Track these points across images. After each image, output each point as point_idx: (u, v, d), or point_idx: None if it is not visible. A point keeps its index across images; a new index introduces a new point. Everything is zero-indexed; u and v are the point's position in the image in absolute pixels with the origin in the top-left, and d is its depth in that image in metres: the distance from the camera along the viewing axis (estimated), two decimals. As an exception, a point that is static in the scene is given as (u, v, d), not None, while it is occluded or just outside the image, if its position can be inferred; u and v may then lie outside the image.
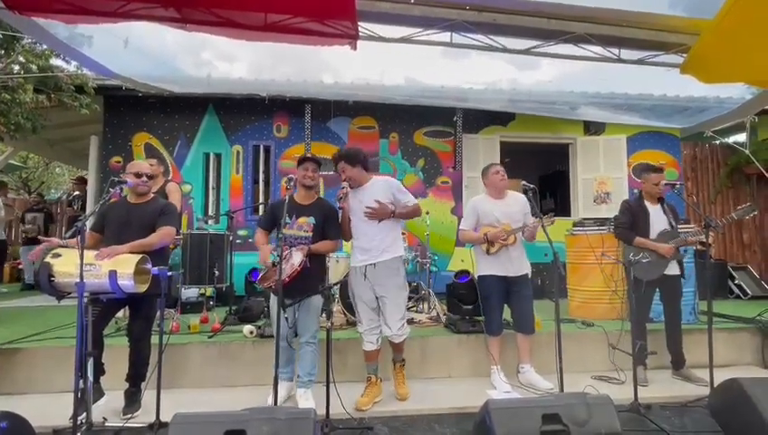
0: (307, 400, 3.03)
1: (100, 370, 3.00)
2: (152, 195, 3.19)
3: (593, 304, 4.63)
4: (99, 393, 2.99)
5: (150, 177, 3.12)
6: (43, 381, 3.35)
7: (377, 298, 3.12)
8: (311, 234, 3.07)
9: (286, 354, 3.08)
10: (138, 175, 3.01)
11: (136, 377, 2.99)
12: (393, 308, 3.11)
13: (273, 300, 3.13)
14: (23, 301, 5.91)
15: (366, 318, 3.16)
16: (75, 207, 7.26)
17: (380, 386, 3.22)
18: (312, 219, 3.09)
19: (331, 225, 3.17)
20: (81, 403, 2.48)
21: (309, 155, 3.25)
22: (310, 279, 2.99)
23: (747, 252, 7.86)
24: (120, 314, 3.36)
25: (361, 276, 3.12)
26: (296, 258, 2.89)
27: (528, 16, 3.85)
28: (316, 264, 3.10)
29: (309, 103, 6.24)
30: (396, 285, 3.14)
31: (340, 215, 3.18)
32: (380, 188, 3.15)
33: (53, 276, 2.55)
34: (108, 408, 2.94)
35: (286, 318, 2.89)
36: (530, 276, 3.52)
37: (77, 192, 7.38)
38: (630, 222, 3.63)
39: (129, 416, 2.84)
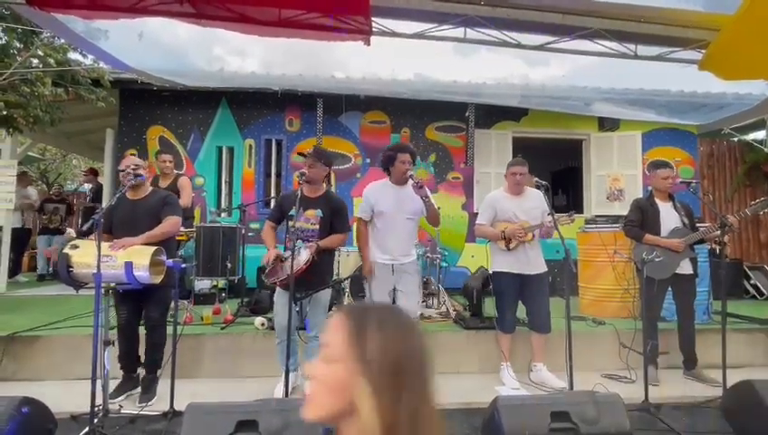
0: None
1: (136, 361, 3.13)
2: (150, 188, 3.24)
3: (604, 302, 4.60)
4: (134, 383, 3.11)
5: (136, 167, 3.04)
6: (62, 369, 3.44)
7: (394, 290, 3.17)
8: (318, 226, 3.07)
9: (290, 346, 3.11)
10: (121, 170, 3.04)
11: (151, 363, 3.07)
12: (409, 302, 3.14)
13: (278, 294, 3.14)
14: (42, 290, 6.06)
15: None
16: (88, 199, 7.37)
17: None
18: (319, 212, 3.09)
19: (340, 218, 3.15)
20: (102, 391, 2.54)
21: (307, 152, 3.21)
22: (318, 273, 3.00)
23: (764, 251, 7.72)
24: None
25: (388, 272, 3.18)
26: (303, 256, 2.89)
27: (542, 11, 3.81)
28: (325, 258, 3.11)
29: (321, 98, 6.24)
30: (416, 282, 3.27)
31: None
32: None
33: (72, 267, 2.61)
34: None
35: (298, 311, 2.91)
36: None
37: (89, 184, 7.50)
38: (640, 220, 3.59)
39: (145, 404, 2.92)
